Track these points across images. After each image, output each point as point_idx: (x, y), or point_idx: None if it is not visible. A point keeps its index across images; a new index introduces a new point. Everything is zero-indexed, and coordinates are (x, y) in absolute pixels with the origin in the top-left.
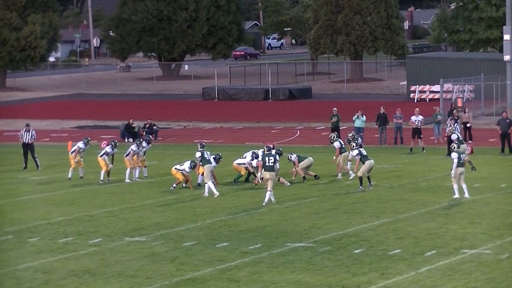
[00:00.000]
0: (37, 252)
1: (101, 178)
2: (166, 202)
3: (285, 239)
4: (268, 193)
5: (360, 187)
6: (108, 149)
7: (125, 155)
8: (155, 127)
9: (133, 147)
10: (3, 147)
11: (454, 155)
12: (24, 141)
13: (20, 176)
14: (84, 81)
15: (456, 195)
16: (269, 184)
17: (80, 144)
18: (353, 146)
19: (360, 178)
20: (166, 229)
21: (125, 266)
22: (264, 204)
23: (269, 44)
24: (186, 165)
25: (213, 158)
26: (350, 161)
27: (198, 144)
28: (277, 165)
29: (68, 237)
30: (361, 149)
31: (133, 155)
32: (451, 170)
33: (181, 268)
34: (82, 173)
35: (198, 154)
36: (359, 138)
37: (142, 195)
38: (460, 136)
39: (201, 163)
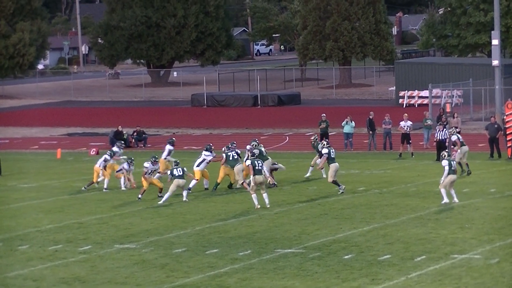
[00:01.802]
0: (27, 259)
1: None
2: (156, 209)
3: (275, 245)
4: (264, 195)
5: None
6: (125, 165)
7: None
8: (144, 135)
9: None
10: None
11: (444, 162)
12: None
13: (9, 184)
14: (73, 88)
15: (445, 200)
16: (262, 187)
17: (107, 156)
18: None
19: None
20: (156, 236)
21: (115, 273)
22: (257, 207)
23: (258, 50)
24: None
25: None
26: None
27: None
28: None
29: (58, 245)
30: (331, 150)
31: (105, 165)
32: (442, 177)
33: (171, 275)
34: (106, 184)
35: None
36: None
37: (132, 202)
38: (460, 137)
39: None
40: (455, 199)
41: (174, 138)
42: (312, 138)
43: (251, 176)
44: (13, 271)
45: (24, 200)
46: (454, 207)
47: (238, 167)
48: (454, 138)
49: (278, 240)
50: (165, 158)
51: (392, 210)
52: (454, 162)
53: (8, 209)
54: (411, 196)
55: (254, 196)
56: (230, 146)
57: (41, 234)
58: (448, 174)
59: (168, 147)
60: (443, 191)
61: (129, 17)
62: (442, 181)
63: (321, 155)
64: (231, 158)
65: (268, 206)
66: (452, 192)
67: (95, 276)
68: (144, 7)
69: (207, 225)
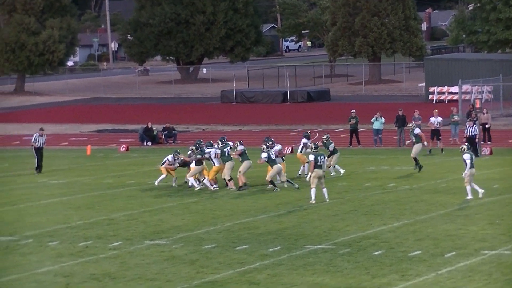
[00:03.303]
0: (57, 256)
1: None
2: (186, 205)
3: (305, 241)
4: (324, 190)
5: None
6: (169, 157)
7: (160, 164)
8: (173, 131)
9: (169, 157)
10: (22, 151)
11: (466, 156)
12: (38, 145)
13: (39, 180)
14: (102, 85)
15: (470, 196)
16: (321, 182)
17: (170, 157)
18: (329, 148)
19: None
20: (186, 232)
21: (145, 270)
22: (312, 202)
23: (287, 46)
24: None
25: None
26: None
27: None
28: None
29: (88, 241)
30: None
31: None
32: (464, 172)
33: (201, 271)
34: (175, 182)
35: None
36: (332, 144)
37: (161, 199)
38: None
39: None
40: (480, 195)
41: (309, 132)
42: (324, 136)
43: (311, 171)
44: (44, 267)
45: (54, 197)
46: (483, 203)
47: (229, 163)
48: None
49: (308, 236)
50: (300, 151)
51: (421, 206)
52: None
53: (38, 206)
54: (440, 192)
55: (313, 190)
56: (223, 141)
57: (71, 230)
58: (470, 168)
59: (304, 140)
60: (468, 188)
61: (159, 14)
62: (465, 174)
63: (330, 154)
64: (226, 155)
65: (327, 200)
66: (476, 186)
67: (125, 272)
68: (173, 4)
69: (236, 221)
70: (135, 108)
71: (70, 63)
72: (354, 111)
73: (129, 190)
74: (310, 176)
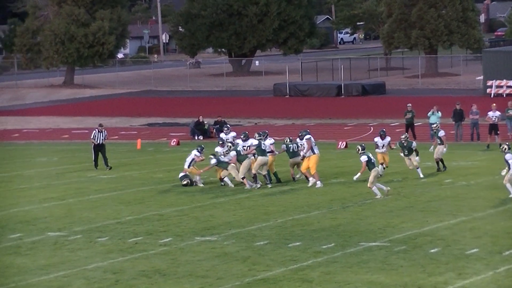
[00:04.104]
0: (107, 252)
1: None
2: (237, 200)
3: (359, 238)
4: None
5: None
6: (195, 153)
7: (187, 166)
8: (225, 125)
9: (196, 153)
10: (71, 145)
11: (508, 156)
12: (98, 142)
13: (89, 175)
14: (153, 78)
15: None
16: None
17: (196, 152)
18: (405, 152)
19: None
20: (238, 228)
21: (195, 266)
22: (378, 196)
23: (342, 38)
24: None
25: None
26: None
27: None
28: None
29: (138, 237)
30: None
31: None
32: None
33: (253, 268)
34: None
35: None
36: (413, 142)
37: (213, 194)
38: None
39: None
40: None
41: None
42: (403, 136)
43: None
44: (93, 264)
45: (103, 191)
46: None
47: (246, 162)
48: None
49: (362, 233)
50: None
51: (479, 203)
52: None
53: (87, 200)
54: (499, 188)
55: (374, 188)
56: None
57: (121, 226)
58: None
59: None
60: (508, 185)
61: (210, 5)
62: (504, 174)
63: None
64: (241, 153)
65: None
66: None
67: (176, 269)
68: None
69: (289, 218)
70: (186, 102)
71: (120, 55)
72: (410, 105)
73: (179, 185)
74: (357, 177)
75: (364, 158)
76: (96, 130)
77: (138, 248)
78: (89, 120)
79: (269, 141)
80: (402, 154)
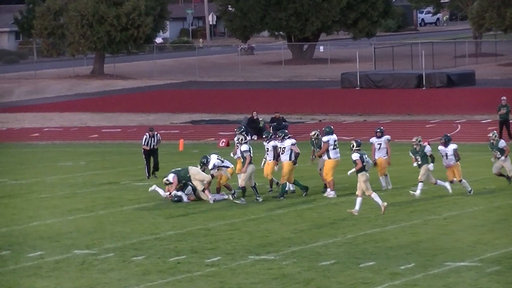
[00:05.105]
0: (143, 273)
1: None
2: (298, 212)
3: (444, 257)
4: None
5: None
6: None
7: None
8: (284, 122)
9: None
10: (101, 147)
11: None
12: (150, 147)
13: (122, 182)
14: (197, 67)
15: None
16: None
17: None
18: (417, 159)
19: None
20: (299, 245)
21: None
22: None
23: (422, 19)
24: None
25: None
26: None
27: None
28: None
29: (181, 255)
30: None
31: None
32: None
33: None
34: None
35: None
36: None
37: (269, 205)
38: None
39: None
40: None
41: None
42: (491, 135)
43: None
44: (127, 287)
45: (140, 202)
46: None
47: (250, 167)
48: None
49: (448, 251)
50: None
51: None
52: None
53: (120, 212)
54: None
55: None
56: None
57: (160, 243)
58: None
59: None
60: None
61: None
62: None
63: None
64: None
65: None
66: None
67: None
68: None
69: (361, 233)
70: (237, 95)
71: (159, 40)
72: (504, 98)
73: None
74: (351, 172)
75: (355, 156)
76: (147, 134)
77: (180, 269)
78: (121, 117)
79: (289, 141)
80: (415, 164)
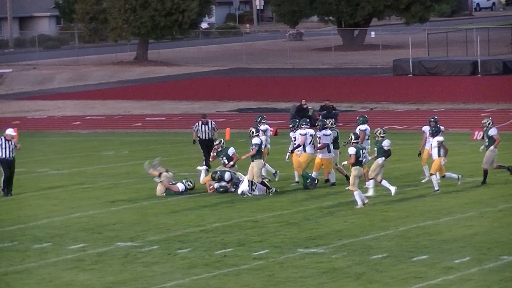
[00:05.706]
0: (189, 266)
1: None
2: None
3: (500, 250)
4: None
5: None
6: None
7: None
8: (334, 110)
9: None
10: (145, 136)
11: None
12: (205, 137)
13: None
14: (244, 53)
15: None
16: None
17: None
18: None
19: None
20: (349, 238)
21: (298, 284)
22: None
23: (477, 4)
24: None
25: None
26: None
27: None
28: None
29: (227, 248)
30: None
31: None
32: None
33: (368, 286)
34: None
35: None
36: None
37: (319, 196)
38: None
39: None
40: None
41: None
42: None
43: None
44: (172, 281)
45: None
46: None
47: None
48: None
49: (504, 244)
50: None
51: None
52: None
53: (165, 203)
54: None
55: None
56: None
57: (206, 235)
58: None
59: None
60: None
61: None
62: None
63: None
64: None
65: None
66: None
67: (274, 287)
68: None
69: (413, 225)
70: (285, 82)
71: (204, 25)
72: None
73: (278, 184)
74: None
75: (352, 150)
76: (200, 122)
77: (227, 262)
78: (166, 104)
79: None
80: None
